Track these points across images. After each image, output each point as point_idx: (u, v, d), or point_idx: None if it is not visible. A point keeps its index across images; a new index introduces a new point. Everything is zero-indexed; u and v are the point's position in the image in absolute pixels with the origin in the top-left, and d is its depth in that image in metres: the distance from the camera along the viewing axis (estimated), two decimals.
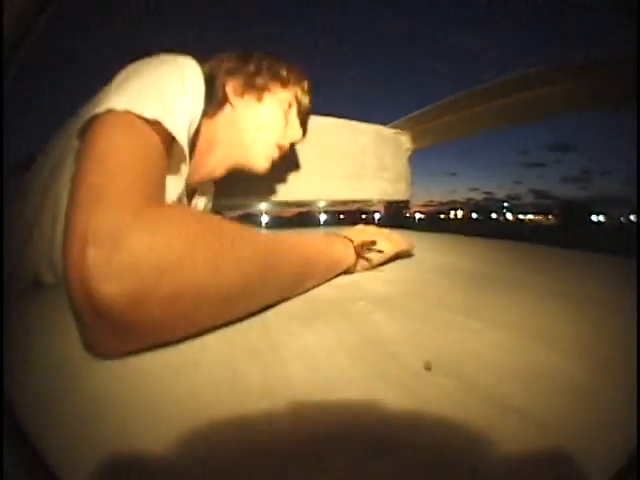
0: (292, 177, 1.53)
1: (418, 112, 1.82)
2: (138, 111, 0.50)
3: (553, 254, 1.15)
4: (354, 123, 1.75)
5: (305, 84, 1.01)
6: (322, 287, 0.65)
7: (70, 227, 0.37)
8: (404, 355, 0.39)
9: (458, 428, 0.28)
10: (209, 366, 0.37)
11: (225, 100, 0.88)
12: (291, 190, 1.54)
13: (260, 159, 0.94)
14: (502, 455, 0.25)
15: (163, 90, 0.58)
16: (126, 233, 0.36)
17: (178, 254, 0.37)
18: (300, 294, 0.60)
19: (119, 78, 0.60)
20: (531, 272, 0.82)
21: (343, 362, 0.38)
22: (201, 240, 0.40)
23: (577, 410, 0.30)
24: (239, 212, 1.86)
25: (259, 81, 0.91)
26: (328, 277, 0.68)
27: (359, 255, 0.75)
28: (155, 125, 0.52)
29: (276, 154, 0.98)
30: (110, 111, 0.49)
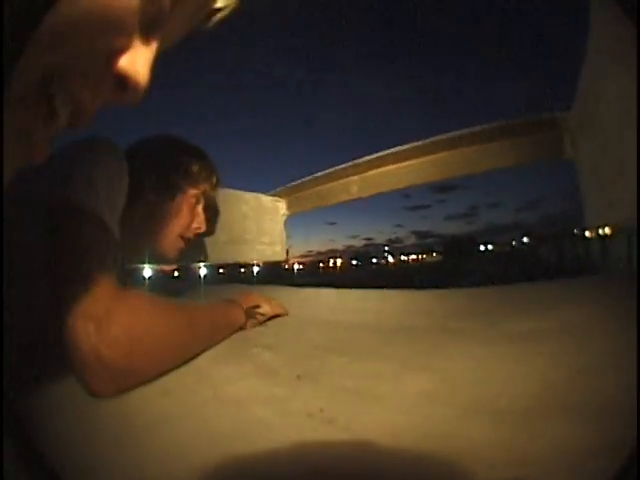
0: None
1: (295, 183, 2.16)
2: (103, 215, 0.71)
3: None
4: (236, 192, 2.01)
5: (214, 178, 1.18)
6: (229, 341, 0.92)
7: (72, 309, 0.59)
8: (284, 372, 0.70)
9: (314, 465, 0.41)
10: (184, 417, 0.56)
11: (141, 194, 1.01)
12: (184, 256, 1.70)
13: (168, 249, 1.10)
14: None
15: (111, 191, 0.75)
16: (114, 313, 0.61)
17: (150, 326, 0.65)
18: (214, 345, 0.85)
19: (75, 163, 0.74)
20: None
21: (251, 384, 0.66)
22: (159, 316, 0.69)
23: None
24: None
25: (172, 180, 1.07)
26: (228, 334, 0.94)
27: (248, 316, 1.02)
28: (102, 224, 0.71)
29: (182, 245, 1.13)
30: (78, 208, 0.68)
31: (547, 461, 0.35)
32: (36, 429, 0.48)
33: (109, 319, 0.60)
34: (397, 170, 1.87)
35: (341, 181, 2.07)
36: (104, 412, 0.57)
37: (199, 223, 1.16)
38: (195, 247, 1.72)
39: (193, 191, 1.12)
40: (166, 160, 1.08)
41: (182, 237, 1.12)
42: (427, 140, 1.70)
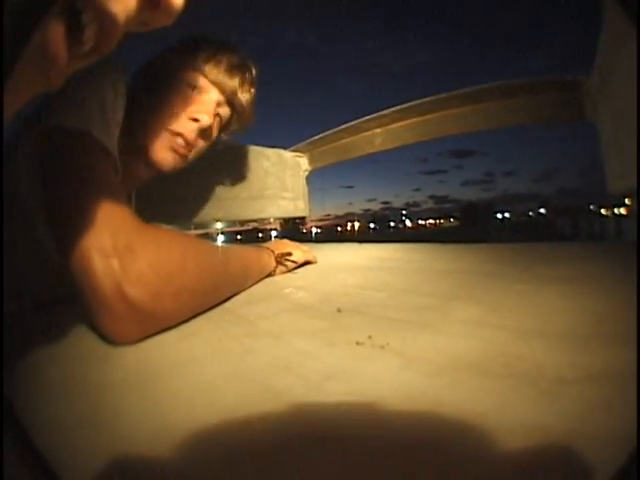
0: (202, 200, 1.69)
1: (317, 137, 2.09)
2: (95, 133, 0.61)
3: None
4: (258, 147, 1.96)
5: (223, 58, 0.88)
6: (259, 285, 0.88)
7: (86, 244, 0.50)
8: (320, 307, 0.65)
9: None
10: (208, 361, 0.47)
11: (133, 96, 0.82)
12: (202, 212, 1.71)
13: (155, 152, 0.84)
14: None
15: (106, 111, 0.65)
16: (137, 248, 0.52)
17: (178, 263, 0.57)
18: (244, 290, 0.81)
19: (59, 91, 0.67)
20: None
21: (288, 317, 0.61)
22: (190, 253, 0.60)
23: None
24: None
25: (156, 62, 0.88)
26: (259, 278, 0.90)
27: (278, 263, 0.98)
28: (101, 145, 0.61)
29: (178, 144, 0.85)
30: (70, 129, 0.59)
31: (611, 379, 0.34)
32: (54, 377, 0.45)
33: (132, 254, 0.52)
34: (420, 122, 1.82)
35: (364, 134, 2.01)
36: (122, 356, 0.50)
37: (196, 112, 0.85)
38: (215, 204, 1.73)
39: (184, 72, 0.85)
40: (163, 52, 0.89)
41: (171, 131, 0.84)
42: (450, 93, 1.65)
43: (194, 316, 0.62)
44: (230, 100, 0.91)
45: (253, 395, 0.37)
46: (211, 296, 0.67)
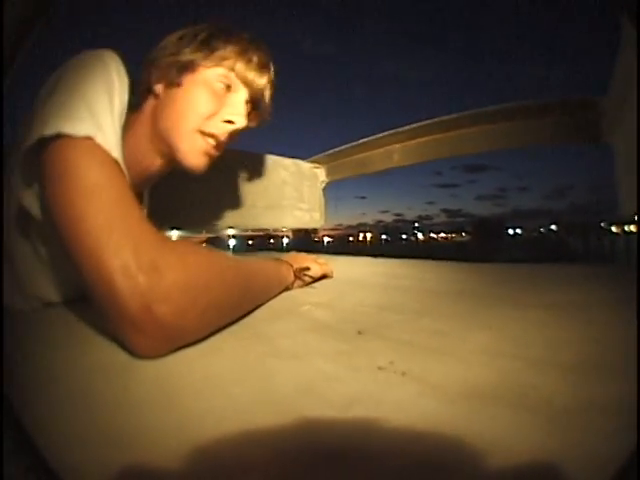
0: (218, 206, 1.71)
1: (336, 149, 2.12)
2: (99, 139, 0.55)
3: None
4: (276, 157, 1.97)
5: (253, 55, 0.85)
6: (276, 299, 0.88)
7: (107, 264, 0.48)
8: (340, 327, 0.66)
9: (386, 420, 0.36)
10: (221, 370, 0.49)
11: (149, 87, 0.83)
12: (218, 218, 1.73)
13: (186, 152, 0.82)
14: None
15: (96, 106, 0.59)
16: (163, 265, 0.50)
17: (203, 280, 0.56)
18: (263, 304, 0.81)
19: (48, 91, 0.61)
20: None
21: (309, 337, 0.61)
22: (215, 270, 0.60)
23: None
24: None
25: (182, 58, 0.80)
26: (278, 292, 0.90)
27: (297, 277, 0.98)
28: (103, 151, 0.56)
29: (209, 145, 0.84)
30: (67, 136, 0.54)
31: (618, 410, 0.36)
32: (70, 392, 0.44)
33: (157, 272, 0.50)
34: (439, 140, 1.83)
35: (382, 149, 2.03)
36: (143, 369, 0.49)
37: (230, 113, 0.83)
38: (232, 213, 1.74)
39: (215, 70, 0.82)
40: (177, 38, 0.82)
41: (204, 133, 0.82)
42: (468, 112, 1.68)
43: (216, 330, 0.62)
44: (256, 99, 0.89)
45: (278, 418, 0.37)
46: (235, 311, 0.67)
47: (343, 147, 2.11)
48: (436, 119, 1.77)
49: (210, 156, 0.86)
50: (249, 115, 0.90)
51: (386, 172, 2.12)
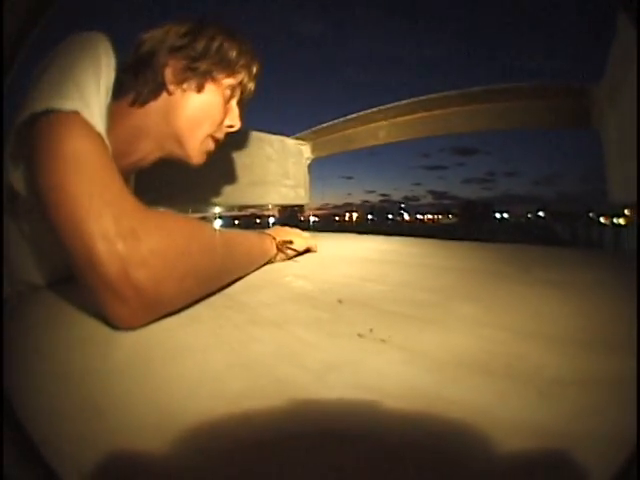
0: (202, 184, 1.67)
1: (322, 126, 2.08)
2: (85, 114, 0.56)
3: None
4: (261, 134, 1.94)
5: (254, 67, 0.93)
6: (258, 271, 0.87)
7: (88, 230, 0.48)
8: (321, 297, 0.65)
9: (365, 388, 0.35)
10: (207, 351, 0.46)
11: (162, 85, 0.83)
12: (202, 196, 1.71)
13: (195, 153, 0.89)
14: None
15: (83, 83, 0.59)
16: (141, 232, 0.51)
17: (182, 247, 0.56)
18: (244, 276, 0.80)
19: (39, 71, 0.61)
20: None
21: (289, 307, 0.61)
22: (194, 237, 0.59)
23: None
24: None
25: (203, 66, 0.83)
26: (260, 264, 0.90)
27: (279, 250, 0.97)
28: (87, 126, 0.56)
29: (212, 146, 0.93)
30: (55, 111, 0.54)
31: (608, 387, 0.34)
32: (51, 363, 0.43)
33: (136, 239, 0.50)
34: (426, 118, 1.80)
35: (369, 125, 2.00)
36: (122, 341, 0.49)
37: (232, 120, 0.93)
38: (215, 189, 1.71)
39: (229, 80, 0.89)
40: (192, 41, 0.84)
41: (212, 137, 0.91)
42: (458, 91, 1.64)
43: (196, 301, 0.61)
44: (244, 101, 0.97)
45: (256, 385, 0.37)
46: (214, 281, 0.67)
47: (328, 123, 2.06)
48: (424, 97, 1.74)
49: (210, 154, 0.94)
50: None
51: (372, 150, 2.11)
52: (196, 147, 0.88)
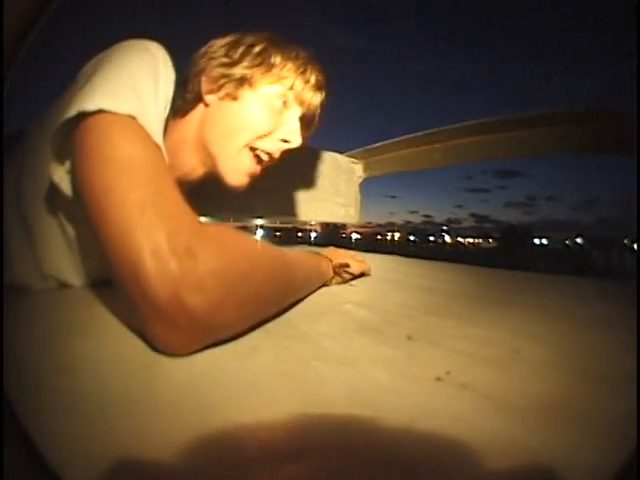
0: (252, 195, 1.65)
1: (375, 145, 2.07)
2: (142, 121, 0.53)
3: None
4: (312, 149, 1.93)
5: (312, 76, 0.83)
6: (315, 296, 0.83)
7: (136, 243, 0.43)
8: (388, 331, 0.61)
9: (451, 439, 0.32)
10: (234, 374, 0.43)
11: (199, 96, 0.79)
12: (248, 207, 1.69)
13: (228, 169, 0.81)
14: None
15: (141, 89, 0.57)
16: (198, 251, 0.45)
17: (244, 270, 0.51)
18: (302, 299, 0.77)
19: (91, 70, 0.59)
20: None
21: (356, 341, 0.57)
22: (257, 259, 0.55)
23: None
24: None
25: (238, 71, 0.77)
26: (316, 288, 0.86)
27: (336, 273, 0.94)
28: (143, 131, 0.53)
29: (254, 165, 0.83)
30: (108, 112, 0.51)
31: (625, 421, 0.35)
32: (78, 384, 0.38)
33: (193, 258, 0.44)
34: (480, 142, 1.79)
35: (423, 147, 1.97)
36: (170, 368, 0.43)
37: (288, 134, 0.82)
38: (266, 202, 1.70)
39: (273, 88, 0.80)
40: (230, 49, 0.79)
41: (255, 149, 0.80)
42: (512, 116, 1.65)
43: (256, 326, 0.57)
44: (308, 117, 0.87)
45: (334, 436, 0.33)
46: (274, 305, 0.62)
47: (382, 143, 2.05)
48: (480, 120, 1.73)
49: (252, 176, 0.84)
50: None
51: (419, 172, 2.10)
52: (228, 161, 0.80)
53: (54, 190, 0.61)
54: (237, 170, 0.81)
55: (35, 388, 0.37)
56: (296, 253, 0.79)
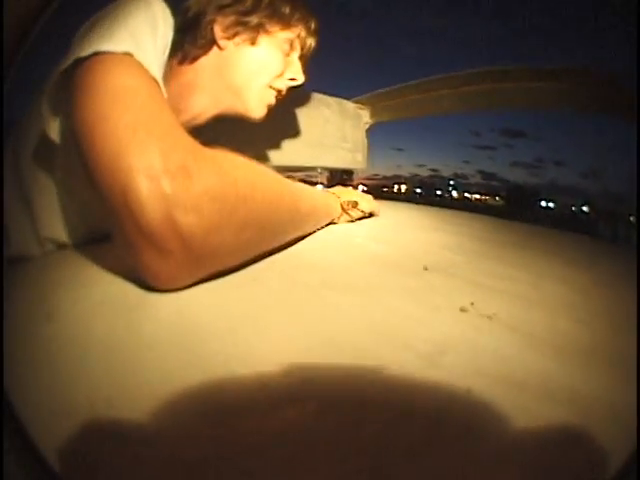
0: (256, 142, 1.59)
1: (383, 90, 1.97)
2: (139, 57, 0.50)
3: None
4: (319, 95, 1.84)
5: (312, 23, 0.90)
6: (322, 232, 0.79)
7: (127, 164, 0.40)
8: (403, 262, 0.58)
9: (473, 400, 0.28)
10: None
11: (212, 41, 0.80)
12: (255, 155, 1.61)
13: (254, 106, 0.87)
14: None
15: (137, 31, 0.55)
16: (194, 170, 0.42)
17: (244, 190, 0.46)
18: (309, 234, 0.73)
19: (86, 29, 0.57)
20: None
21: (370, 271, 0.53)
22: (260, 181, 0.51)
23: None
24: None
25: (254, 19, 0.81)
26: (323, 224, 0.82)
27: (344, 210, 0.89)
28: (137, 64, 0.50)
29: (273, 99, 0.90)
30: (104, 53, 0.48)
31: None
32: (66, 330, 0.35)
33: (188, 176, 0.40)
34: (491, 90, 1.70)
35: (432, 93, 1.88)
36: (160, 307, 0.40)
37: (295, 73, 0.89)
38: (271, 147, 1.64)
39: (285, 34, 0.85)
40: None
41: (272, 87, 0.87)
42: (526, 66, 1.56)
43: (253, 260, 0.52)
44: (305, 57, 0.93)
45: (350, 370, 0.29)
46: (277, 235, 0.58)
47: (390, 88, 1.96)
48: (492, 67, 1.63)
49: (270, 108, 0.90)
50: None
51: (424, 123, 2.04)
52: (255, 98, 0.86)
53: (49, 145, 0.59)
54: (261, 106, 0.87)
55: (21, 340, 0.34)
56: (303, 185, 0.74)
